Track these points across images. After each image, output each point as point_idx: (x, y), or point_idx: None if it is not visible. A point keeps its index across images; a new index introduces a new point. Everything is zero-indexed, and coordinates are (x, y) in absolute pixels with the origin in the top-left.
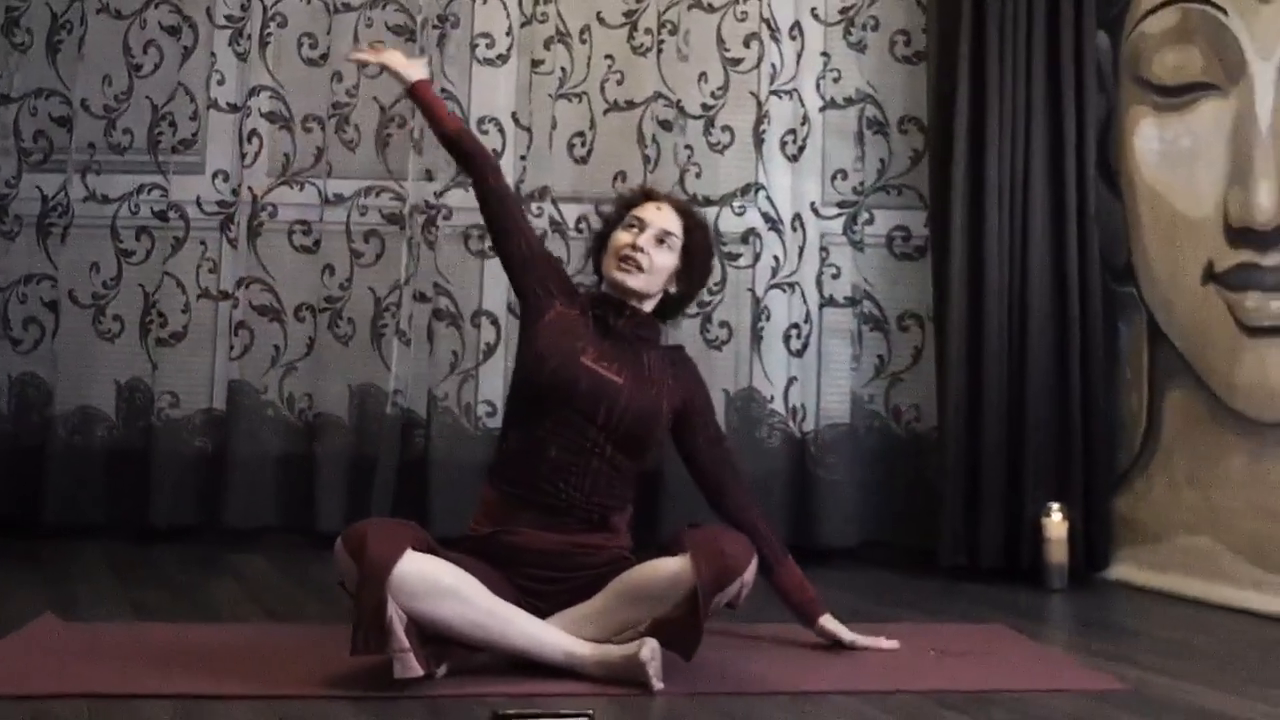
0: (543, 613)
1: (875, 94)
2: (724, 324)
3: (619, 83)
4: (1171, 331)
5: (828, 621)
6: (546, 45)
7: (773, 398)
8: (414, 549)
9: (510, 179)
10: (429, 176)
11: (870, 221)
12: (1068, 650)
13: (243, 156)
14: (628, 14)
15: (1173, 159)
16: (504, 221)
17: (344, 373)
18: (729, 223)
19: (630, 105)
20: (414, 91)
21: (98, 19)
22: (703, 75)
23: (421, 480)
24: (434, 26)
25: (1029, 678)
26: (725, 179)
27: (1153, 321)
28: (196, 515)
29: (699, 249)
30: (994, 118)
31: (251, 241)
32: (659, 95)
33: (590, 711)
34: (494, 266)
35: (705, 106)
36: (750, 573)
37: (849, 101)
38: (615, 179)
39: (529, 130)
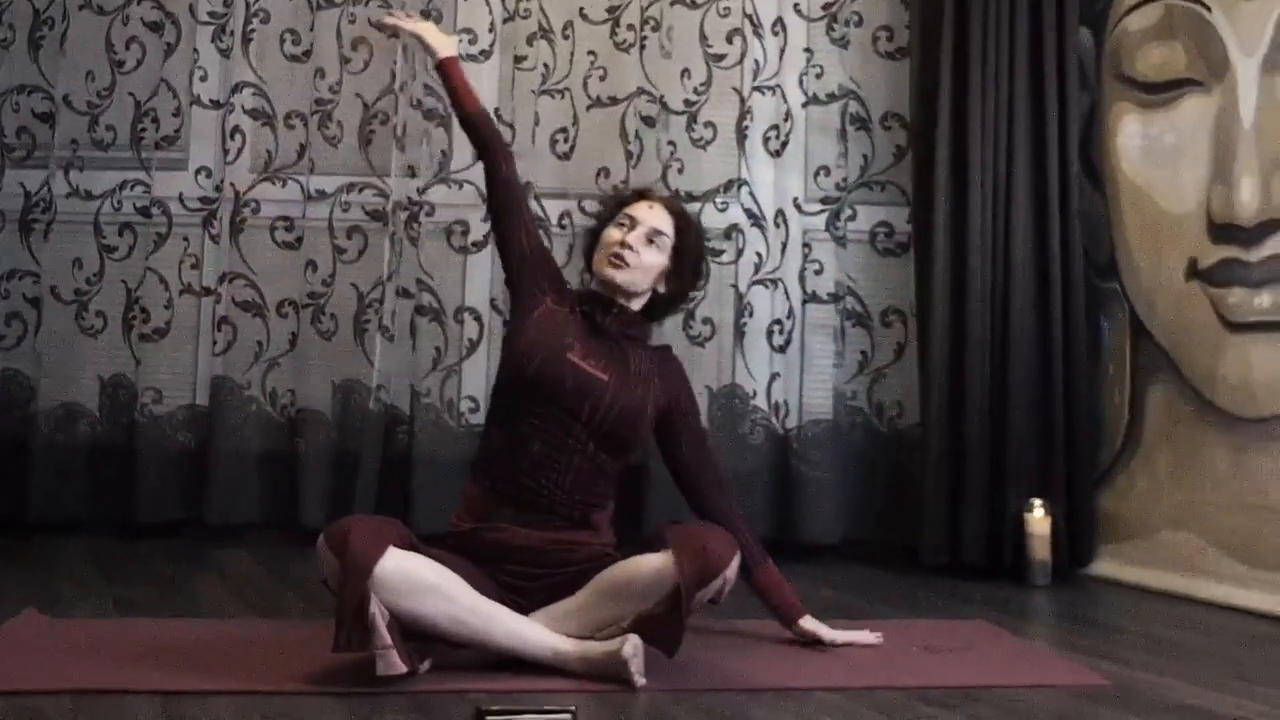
0: (525, 609)
1: (858, 90)
2: (707, 320)
3: (602, 79)
4: (1154, 327)
5: (807, 622)
6: (529, 41)
7: (756, 394)
8: (396, 546)
9: None
10: (412, 173)
11: (853, 217)
12: (1051, 646)
13: (225, 153)
14: (610, 10)
15: (1156, 155)
16: (509, 211)
17: (327, 369)
18: (712, 219)
19: (613, 101)
20: (442, 66)
21: (80, 15)
22: (685, 71)
23: (404, 476)
24: None
25: (1012, 674)
26: (708, 175)
27: (1135, 317)
28: (180, 511)
29: (690, 250)
30: (977, 114)
31: (234, 237)
32: (642, 91)
33: (573, 708)
34: (476, 262)
35: (688, 102)
36: (733, 569)
37: (832, 97)
38: (598, 175)
39: (512, 126)
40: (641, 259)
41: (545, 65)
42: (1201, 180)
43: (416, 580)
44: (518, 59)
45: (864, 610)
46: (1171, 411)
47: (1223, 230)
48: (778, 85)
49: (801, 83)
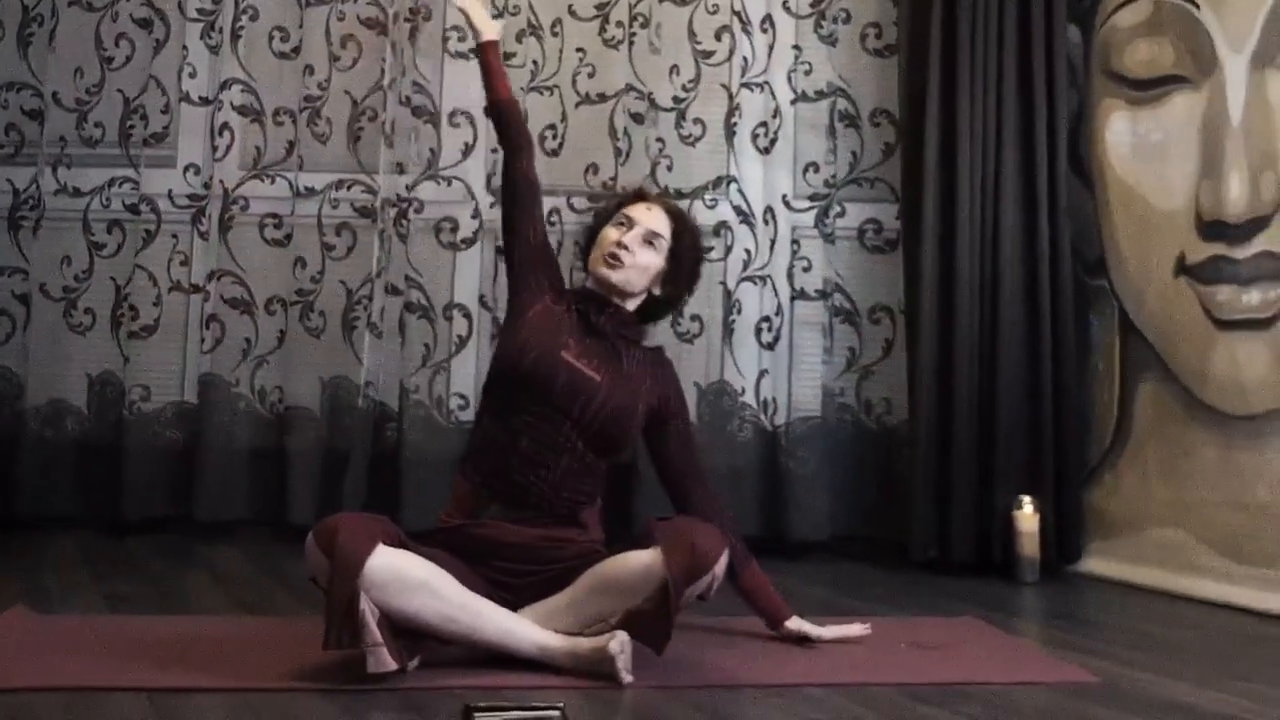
0: (514, 606)
1: (847, 87)
2: (695, 317)
3: (590, 76)
4: (1143, 324)
5: (794, 623)
6: (518, 38)
7: (744, 391)
8: (385, 543)
9: (482, 172)
10: (400, 170)
11: (842, 214)
12: (1039, 643)
13: (214, 150)
14: (599, 7)
15: (1144, 152)
16: (521, 205)
17: (315, 366)
18: (700, 215)
19: (602, 98)
20: (482, 48)
21: (69, 11)
22: (674, 68)
23: (393, 473)
24: (406, 19)
25: (1001, 670)
26: (697, 172)
27: (1124, 314)
28: (168, 508)
29: (686, 254)
30: (965, 110)
31: (223, 234)
32: (630, 88)
33: (561, 705)
34: (465, 259)
35: (677, 99)
36: (721, 565)
37: (820, 94)
38: (587, 172)
39: None
40: (637, 259)
41: (534, 62)
42: (1190, 177)
43: (406, 577)
44: (506, 55)
45: (853, 607)
46: (1160, 408)
47: (1211, 227)
48: (766, 82)
49: (790, 80)
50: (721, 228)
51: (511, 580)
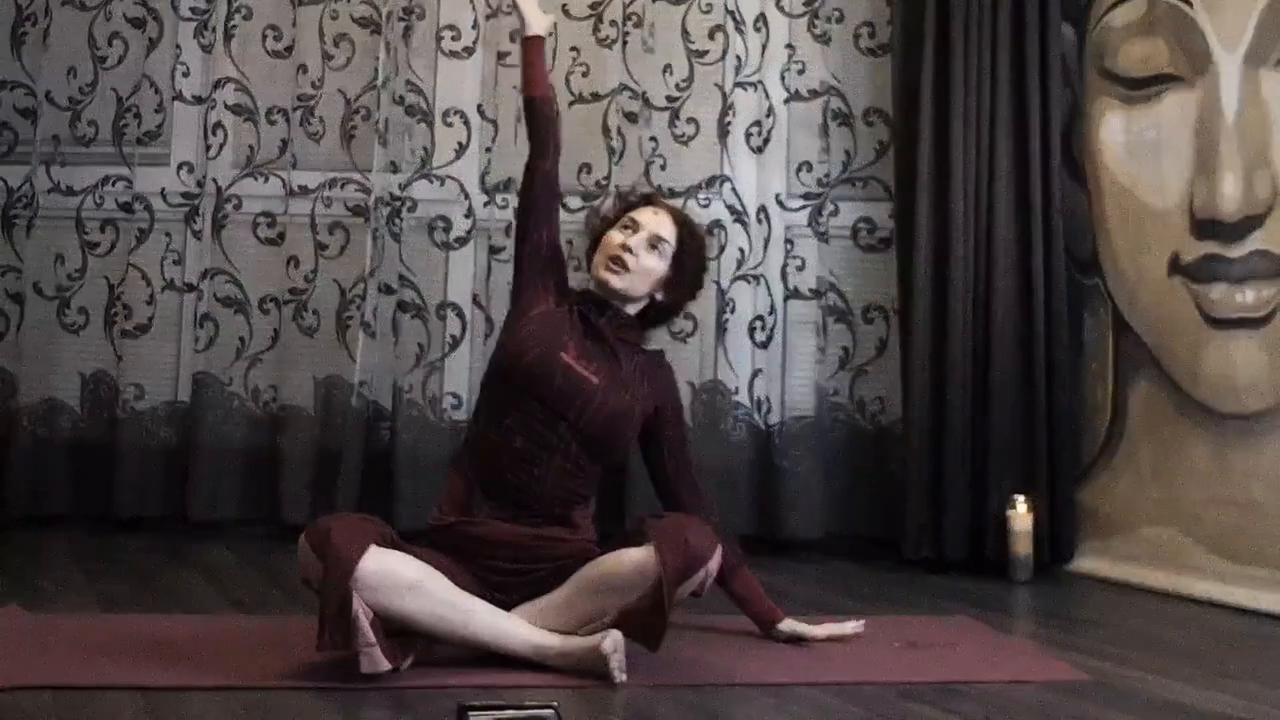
0: (507, 605)
1: (840, 86)
2: (689, 316)
3: (584, 75)
4: (1136, 323)
5: (787, 624)
6: (512, 38)
7: (738, 390)
8: (377, 544)
9: (475, 171)
10: (394, 168)
11: (835, 213)
12: (1032, 642)
13: (207, 148)
14: (593, 6)
15: (1138, 151)
16: (539, 205)
17: (309, 365)
18: (694, 215)
19: (595, 98)
20: (527, 42)
21: (63, 11)
22: (668, 67)
23: (387, 472)
24: (399, 19)
25: (994, 669)
26: (690, 171)
27: (1118, 313)
28: (161, 507)
29: (691, 260)
30: (959, 109)
31: (216, 233)
32: (624, 88)
33: (555, 703)
34: (459, 258)
35: (670, 99)
36: (715, 562)
37: (814, 94)
38: (580, 171)
39: (494, 123)
40: (641, 263)
41: None
42: (1184, 176)
43: (398, 578)
44: (500, 55)
45: (846, 606)
46: (1154, 407)
47: (1205, 226)
48: (760, 81)
49: (783, 79)
50: (715, 227)
51: (504, 579)
